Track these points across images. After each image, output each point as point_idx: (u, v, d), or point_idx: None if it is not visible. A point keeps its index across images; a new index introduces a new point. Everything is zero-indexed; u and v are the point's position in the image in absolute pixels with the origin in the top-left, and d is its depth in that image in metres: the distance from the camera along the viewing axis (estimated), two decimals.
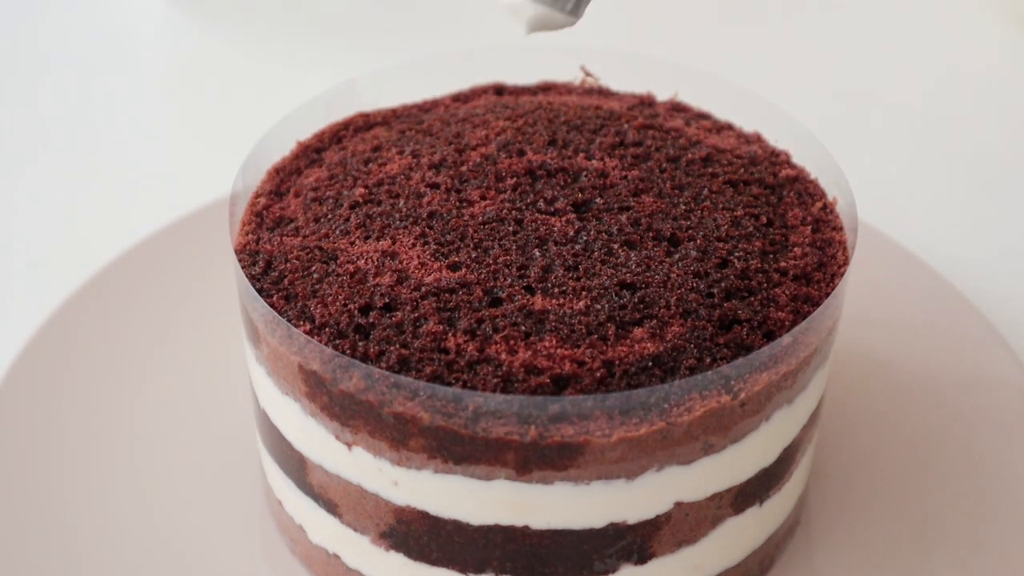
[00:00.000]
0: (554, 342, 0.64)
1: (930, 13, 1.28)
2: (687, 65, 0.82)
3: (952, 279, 0.93)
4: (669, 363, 0.64)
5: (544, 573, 0.67)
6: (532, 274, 0.68)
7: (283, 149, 0.78)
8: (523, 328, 0.65)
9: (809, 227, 0.72)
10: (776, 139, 0.78)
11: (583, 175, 0.74)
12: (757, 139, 0.79)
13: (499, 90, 0.84)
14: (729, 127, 0.80)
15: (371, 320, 0.66)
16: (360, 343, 0.65)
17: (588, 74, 0.84)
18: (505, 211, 0.71)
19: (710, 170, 0.75)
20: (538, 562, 0.67)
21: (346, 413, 0.64)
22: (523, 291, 0.67)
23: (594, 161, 0.74)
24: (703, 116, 0.81)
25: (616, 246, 0.69)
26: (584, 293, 0.67)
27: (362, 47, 1.21)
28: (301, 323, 0.66)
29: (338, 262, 0.69)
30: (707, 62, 0.81)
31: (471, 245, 0.69)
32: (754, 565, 0.73)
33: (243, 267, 0.69)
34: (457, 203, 0.72)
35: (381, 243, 0.70)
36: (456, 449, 0.63)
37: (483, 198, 0.72)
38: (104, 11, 1.26)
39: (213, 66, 1.21)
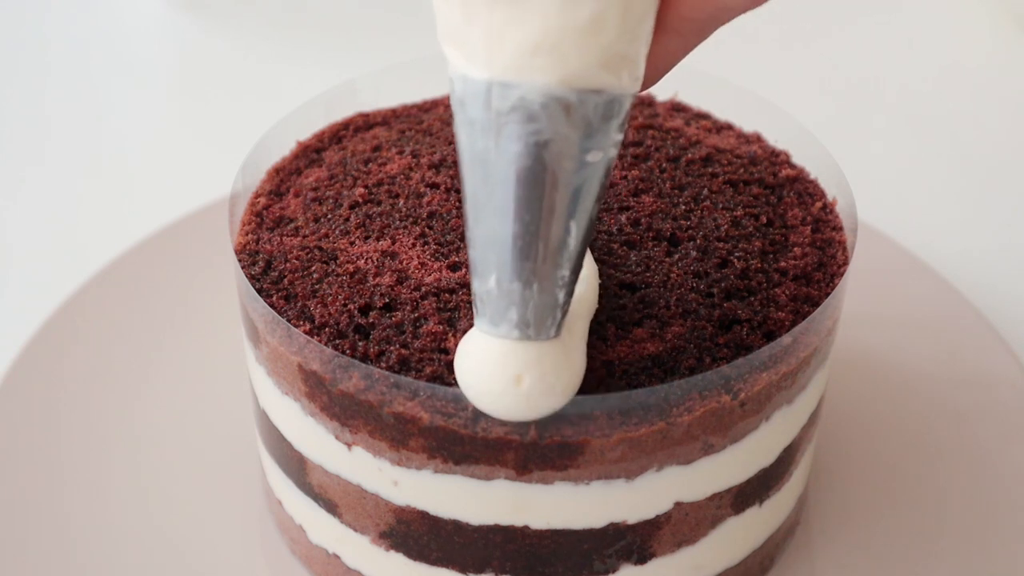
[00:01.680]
0: None
1: (930, 13, 1.28)
2: (687, 65, 0.82)
3: (952, 279, 0.93)
4: (669, 363, 0.64)
5: (544, 573, 0.67)
6: None
7: (283, 149, 0.78)
8: None
9: (809, 227, 0.72)
10: (776, 139, 0.78)
11: None
12: (757, 139, 0.79)
13: None
14: (729, 127, 0.80)
15: (371, 320, 0.66)
16: (360, 343, 0.65)
17: None
18: None
19: (710, 170, 0.75)
20: (538, 562, 0.67)
21: (346, 413, 0.64)
22: None
23: None
24: (703, 116, 0.81)
25: (616, 246, 0.69)
26: None
27: (362, 47, 1.21)
28: (301, 323, 0.66)
29: (338, 262, 0.69)
30: (707, 62, 0.81)
31: None
32: (754, 565, 0.73)
33: (243, 267, 0.69)
34: (457, 203, 0.72)
35: (381, 243, 0.70)
36: (456, 449, 0.63)
37: None
38: (104, 11, 1.26)
39: (213, 66, 1.21)
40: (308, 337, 0.64)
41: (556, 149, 0.55)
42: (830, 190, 0.75)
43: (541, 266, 0.57)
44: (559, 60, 0.54)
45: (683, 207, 0.72)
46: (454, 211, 0.71)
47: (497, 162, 0.56)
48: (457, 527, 0.66)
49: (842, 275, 0.69)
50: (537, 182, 0.55)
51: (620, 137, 0.56)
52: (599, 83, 0.54)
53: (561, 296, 0.58)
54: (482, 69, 0.55)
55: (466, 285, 0.67)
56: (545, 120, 0.54)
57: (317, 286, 0.68)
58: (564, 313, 0.59)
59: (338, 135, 0.79)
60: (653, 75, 0.58)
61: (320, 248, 0.70)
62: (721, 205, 0.72)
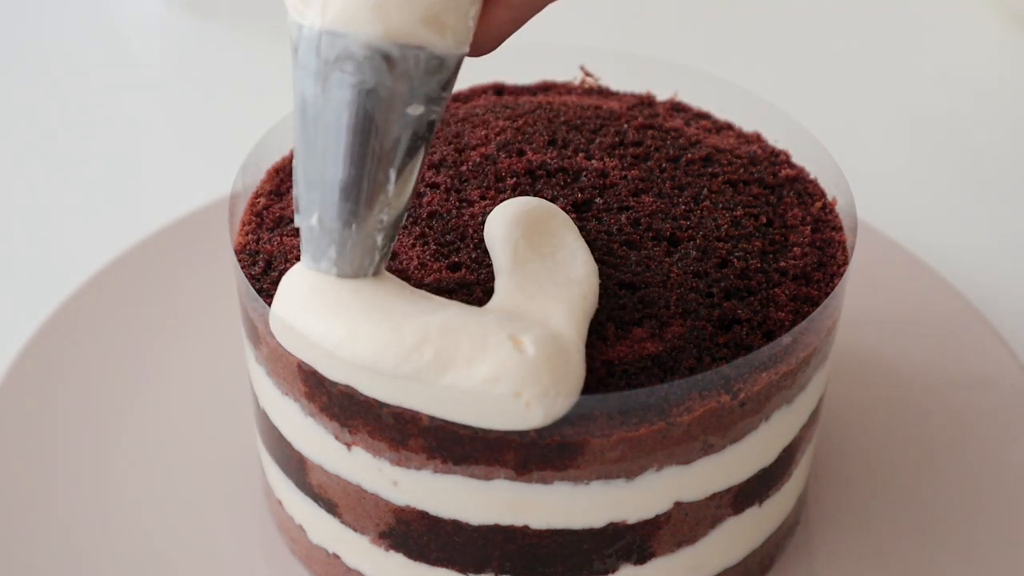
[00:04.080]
0: None
1: (930, 12, 1.28)
2: (687, 65, 0.82)
3: (952, 279, 0.93)
4: (669, 363, 0.64)
5: (544, 573, 0.67)
6: None
7: (283, 149, 0.78)
8: None
9: (809, 227, 0.72)
10: (776, 139, 0.78)
11: (583, 175, 0.74)
12: (757, 139, 0.79)
13: (499, 90, 0.84)
14: (729, 127, 0.80)
15: None
16: None
17: (588, 74, 0.84)
18: None
19: (710, 170, 0.75)
20: (538, 562, 0.67)
21: (346, 413, 0.64)
22: None
23: (594, 161, 0.74)
24: (703, 116, 0.81)
25: (616, 246, 0.69)
26: None
27: None
28: None
29: None
30: (707, 62, 0.81)
31: (471, 245, 0.69)
32: (754, 565, 0.73)
33: (243, 267, 0.69)
34: (457, 203, 0.72)
35: None
36: (456, 449, 0.63)
37: (483, 198, 0.72)
38: (103, 11, 1.26)
39: (213, 66, 1.21)
40: None
41: (378, 99, 0.59)
42: (830, 190, 0.75)
43: (360, 208, 0.61)
44: (382, 14, 0.58)
45: (683, 207, 0.72)
46: (454, 211, 0.71)
47: (324, 108, 0.60)
48: (457, 527, 0.66)
49: (842, 275, 0.69)
50: (360, 129, 0.60)
51: (446, 95, 0.61)
52: (420, 40, 0.59)
53: (379, 239, 0.62)
54: (315, 18, 0.60)
55: (466, 285, 0.67)
56: (369, 70, 0.59)
57: None
58: (383, 256, 0.63)
59: None
60: (487, 43, 0.62)
61: None
62: (721, 205, 0.72)
